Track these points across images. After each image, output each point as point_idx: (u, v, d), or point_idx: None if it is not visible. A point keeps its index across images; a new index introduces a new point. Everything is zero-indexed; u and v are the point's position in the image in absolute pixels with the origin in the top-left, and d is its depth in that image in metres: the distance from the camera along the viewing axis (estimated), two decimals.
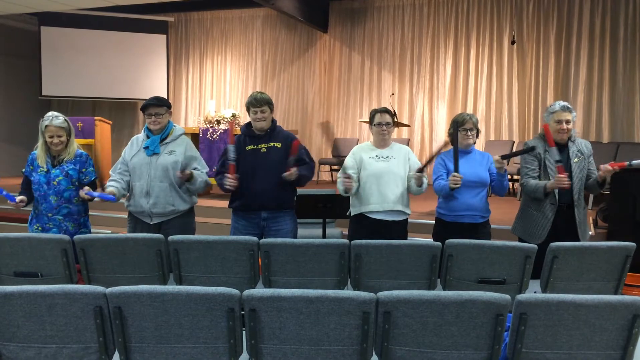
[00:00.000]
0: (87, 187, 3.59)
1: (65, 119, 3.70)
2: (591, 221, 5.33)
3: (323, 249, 2.99)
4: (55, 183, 3.64)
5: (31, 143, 3.79)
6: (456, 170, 3.50)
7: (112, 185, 3.68)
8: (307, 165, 3.73)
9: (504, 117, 8.91)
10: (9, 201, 3.66)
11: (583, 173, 3.61)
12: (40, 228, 3.70)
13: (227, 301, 2.01)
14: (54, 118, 3.64)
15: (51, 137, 3.62)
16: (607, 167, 3.42)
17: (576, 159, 3.60)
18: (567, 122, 3.55)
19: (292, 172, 3.57)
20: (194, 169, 3.73)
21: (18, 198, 3.66)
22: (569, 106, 3.58)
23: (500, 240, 3.40)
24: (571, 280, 2.99)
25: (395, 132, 9.03)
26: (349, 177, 3.60)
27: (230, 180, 3.58)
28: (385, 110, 3.78)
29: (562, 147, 3.63)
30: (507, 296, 2.01)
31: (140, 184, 3.69)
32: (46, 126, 3.62)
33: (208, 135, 7.12)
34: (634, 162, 3.48)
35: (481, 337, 2.03)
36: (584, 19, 8.35)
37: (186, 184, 3.70)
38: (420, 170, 3.65)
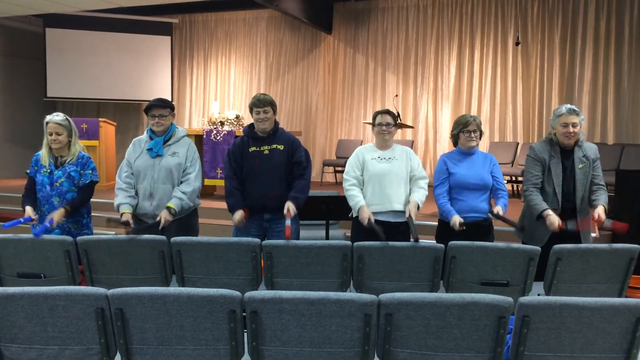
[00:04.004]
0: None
1: (66, 118, 3.73)
2: (595, 224, 5.31)
3: (326, 251, 2.99)
4: (57, 184, 3.65)
5: (36, 144, 3.81)
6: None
7: (126, 209, 3.62)
8: (302, 184, 3.69)
9: (508, 118, 8.88)
10: (23, 222, 3.56)
11: (587, 179, 3.55)
12: None
13: (228, 303, 2.01)
14: (55, 115, 3.71)
15: (50, 134, 3.66)
16: (595, 217, 3.39)
17: (581, 165, 3.54)
18: (574, 125, 3.47)
19: (290, 213, 3.50)
20: (184, 170, 3.71)
21: (28, 211, 3.61)
22: (576, 109, 3.48)
23: (504, 242, 3.38)
24: (575, 283, 2.97)
25: (399, 134, 9.01)
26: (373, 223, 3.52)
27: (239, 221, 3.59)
28: (386, 111, 3.78)
29: (568, 152, 3.59)
30: (510, 299, 2.00)
31: (144, 186, 3.69)
32: (47, 123, 3.68)
33: (212, 137, 7.12)
34: (605, 223, 3.46)
35: (483, 339, 2.02)
36: (588, 20, 8.32)
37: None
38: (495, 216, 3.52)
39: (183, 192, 3.65)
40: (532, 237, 3.61)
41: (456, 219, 3.48)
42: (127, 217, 3.56)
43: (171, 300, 2.02)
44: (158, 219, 3.52)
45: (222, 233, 5.57)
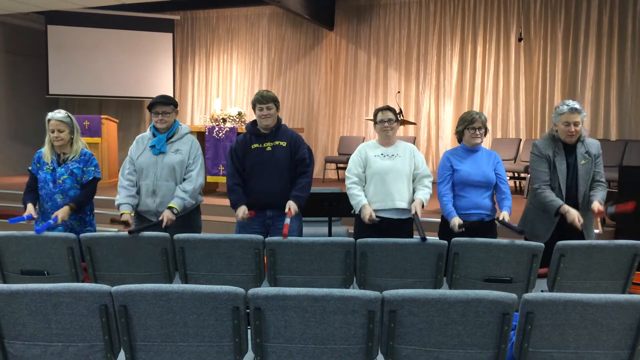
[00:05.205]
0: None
1: (68, 115, 3.73)
2: (598, 220, 5.30)
3: (329, 248, 2.99)
4: (60, 182, 3.65)
5: (38, 142, 3.81)
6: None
7: (126, 209, 3.61)
8: (305, 182, 3.68)
9: (511, 114, 8.86)
10: (26, 220, 3.56)
11: (589, 175, 3.55)
12: None
13: (232, 300, 2.01)
14: (56, 112, 3.71)
15: (52, 131, 3.66)
16: (595, 210, 3.38)
17: (583, 161, 3.53)
18: (576, 124, 3.45)
19: (291, 212, 3.49)
20: (187, 167, 3.70)
21: (29, 209, 3.61)
22: (578, 107, 3.45)
23: (507, 238, 3.38)
24: (578, 279, 2.97)
25: (401, 130, 9.00)
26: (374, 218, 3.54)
27: (243, 217, 3.56)
28: (387, 108, 3.77)
29: (570, 149, 3.57)
30: (514, 295, 2.00)
31: (147, 183, 3.69)
32: (48, 120, 3.69)
33: (214, 134, 7.12)
34: (609, 210, 3.43)
35: (487, 336, 2.02)
36: (591, 15, 8.29)
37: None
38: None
39: (184, 191, 3.64)
40: (534, 233, 3.61)
41: (455, 221, 3.47)
42: (126, 217, 3.56)
43: (175, 297, 2.01)
44: (160, 218, 3.51)
45: (225, 230, 5.57)
